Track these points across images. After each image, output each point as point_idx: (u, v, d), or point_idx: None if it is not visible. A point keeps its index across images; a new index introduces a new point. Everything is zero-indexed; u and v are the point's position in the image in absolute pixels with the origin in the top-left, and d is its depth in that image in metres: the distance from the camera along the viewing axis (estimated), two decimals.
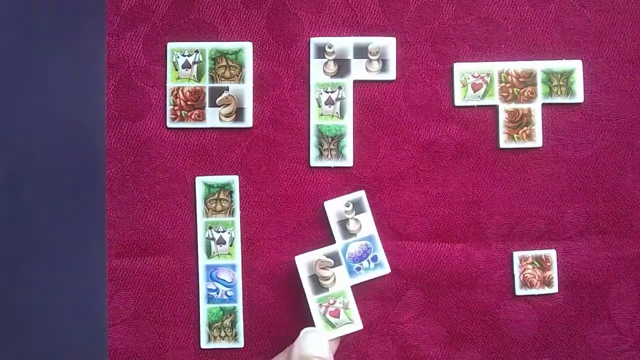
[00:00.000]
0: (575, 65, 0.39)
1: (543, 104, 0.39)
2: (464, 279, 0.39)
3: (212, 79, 0.39)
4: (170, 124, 0.39)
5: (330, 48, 0.39)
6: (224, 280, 0.39)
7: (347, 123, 0.39)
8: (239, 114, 0.39)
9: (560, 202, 0.39)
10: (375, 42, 0.39)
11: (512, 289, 0.39)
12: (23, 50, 0.40)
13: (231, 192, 0.39)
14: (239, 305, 0.39)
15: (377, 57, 0.39)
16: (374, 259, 0.37)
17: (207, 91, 0.39)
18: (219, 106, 0.39)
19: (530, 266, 0.39)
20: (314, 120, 0.39)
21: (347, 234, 0.38)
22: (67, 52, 0.40)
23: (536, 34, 0.39)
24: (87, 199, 0.39)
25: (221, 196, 0.39)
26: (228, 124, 0.39)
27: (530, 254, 0.39)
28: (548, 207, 0.39)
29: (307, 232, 0.39)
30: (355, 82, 0.39)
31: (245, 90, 0.39)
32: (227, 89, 0.39)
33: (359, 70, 0.39)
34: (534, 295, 0.39)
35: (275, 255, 0.39)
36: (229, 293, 0.39)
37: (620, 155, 0.39)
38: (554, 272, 0.39)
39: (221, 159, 0.39)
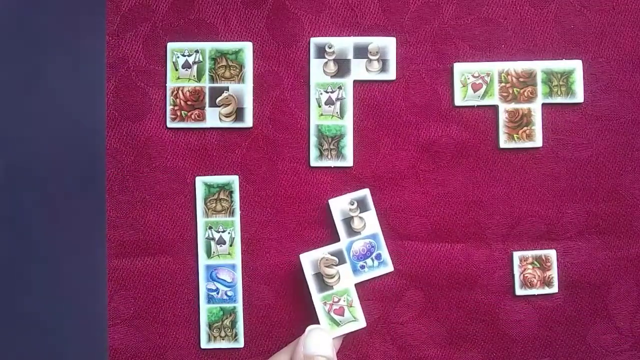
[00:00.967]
0: (575, 65, 0.39)
1: (543, 104, 0.39)
2: (464, 279, 0.39)
3: (212, 79, 0.39)
4: (170, 124, 0.39)
5: (330, 48, 0.39)
6: (224, 280, 0.39)
7: (347, 123, 0.39)
8: (239, 114, 0.39)
9: (560, 202, 0.39)
10: (375, 42, 0.39)
11: (512, 289, 0.39)
12: (23, 50, 0.40)
13: (231, 192, 0.39)
14: (239, 305, 0.39)
15: (377, 57, 0.39)
16: (378, 257, 0.37)
17: (207, 91, 0.39)
18: (219, 106, 0.39)
19: (530, 266, 0.39)
20: (314, 120, 0.39)
21: (351, 231, 0.38)
22: (67, 52, 0.40)
23: (536, 34, 0.39)
24: (87, 199, 0.39)
25: (221, 196, 0.39)
26: (228, 124, 0.39)
27: (530, 254, 0.39)
28: (548, 207, 0.39)
29: (307, 232, 0.39)
30: (355, 82, 0.39)
31: (245, 90, 0.39)
32: (227, 89, 0.39)
33: (359, 70, 0.39)
34: (534, 295, 0.39)
35: (275, 255, 0.39)
36: (229, 293, 0.39)
37: (620, 155, 0.39)
38: (554, 272, 0.39)
39: (221, 159, 0.39)
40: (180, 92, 0.39)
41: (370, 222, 0.38)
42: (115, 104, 0.39)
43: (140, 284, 0.39)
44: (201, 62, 0.39)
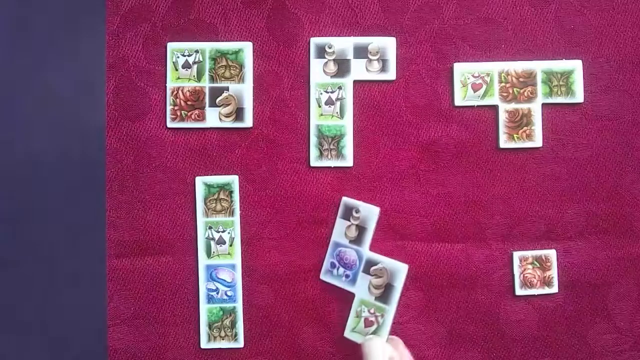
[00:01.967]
0: (575, 65, 0.39)
1: (543, 104, 0.39)
2: (464, 279, 0.39)
3: (212, 79, 0.39)
4: (170, 124, 0.39)
5: (330, 48, 0.39)
6: (224, 280, 0.39)
7: (347, 123, 0.39)
8: (239, 114, 0.39)
9: (560, 202, 0.39)
10: (375, 42, 0.39)
11: (512, 289, 0.39)
12: (23, 50, 0.40)
13: (231, 192, 0.39)
14: (239, 305, 0.39)
15: (377, 57, 0.39)
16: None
17: (207, 91, 0.39)
18: (219, 106, 0.39)
19: (530, 266, 0.39)
20: (314, 120, 0.39)
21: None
22: (67, 52, 0.40)
23: (536, 34, 0.39)
24: (87, 199, 0.39)
25: (221, 196, 0.39)
26: (228, 124, 0.39)
27: (530, 254, 0.39)
28: (548, 207, 0.39)
29: (307, 232, 0.39)
30: (355, 82, 0.39)
31: (245, 90, 0.39)
32: (227, 89, 0.39)
33: (359, 70, 0.39)
34: (534, 295, 0.39)
35: (275, 255, 0.39)
36: (228, 293, 0.39)
37: (620, 155, 0.39)
38: (554, 272, 0.39)
39: (221, 159, 0.39)
40: (180, 92, 0.39)
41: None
42: (115, 104, 0.39)
43: (140, 284, 0.39)
44: (201, 62, 0.39)
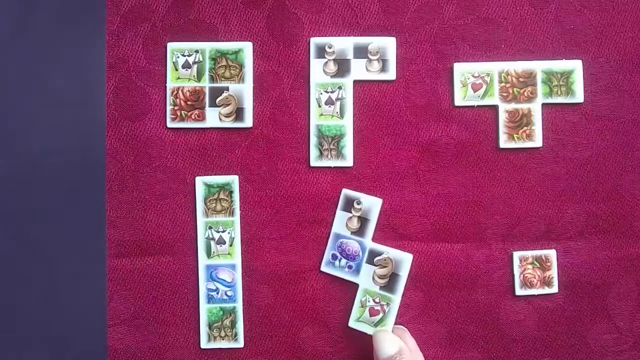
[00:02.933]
0: (575, 65, 0.39)
1: (543, 104, 0.39)
2: (464, 279, 0.39)
3: (212, 79, 0.39)
4: (170, 124, 0.39)
5: (330, 48, 0.39)
6: (224, 280, 0.39)
7: (347, 123, 0.39)
8: (239, 114, 0.39)
9: (560, 202, 0.39)
10: (375, 42, 0.39)
11: (512, 289, 0.39)
12: (23, 50, 0.40)
13: (231, 192, 0.39)
14: (239, 305, 0.39)
15: (377, 57, 0.39)
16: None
17: (207, 91, 0.39)
18: (219, 106, 0.39)
19: (530, 266, 0.39)
20: (314, 120, 0.39)
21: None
22: (67, 52, 0.40)
23: (536, 34, 0.39)
24: (87, 199, 0.39)
25: (221, 196, 0.39)
26: (228, 124, 0.39)
27: (530, 254, 0.39)
28: (548, 207, 0.39)
29: (307, 232, 0.39)
30: (355, 82, 0.39)
31: (245, 90, 0.39)
32: (227, 89, 0.39)
33: (359, 70, 0.39)
34: (534, 295, 0.39)
35: (275, 255, 0.39)
36: (228, 293, 0.39)
37: (620, 155, 0.39)
38: (554, 272, 0.39)
39: (221, 159, 0.39)
40: (180, 92, 0.39)
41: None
42: (115, 104, 0.39)
43: (140, 284, 0.39)
44: (201, 62, 0.39)
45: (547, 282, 0.39)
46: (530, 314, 0.39)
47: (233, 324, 0.39)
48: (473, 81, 0.39)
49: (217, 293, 0.39)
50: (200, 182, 0.39)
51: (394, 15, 0.39)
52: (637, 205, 0.39)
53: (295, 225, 0.39)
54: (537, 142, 0.39)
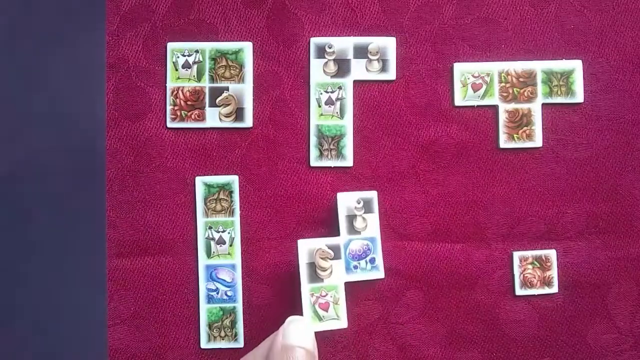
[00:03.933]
0: (575, 65, 0.39)
1: (543, 104, 0.39)
2: (464, 279, 0.39)
3: (212, 79, 0.39)
4: (170, 124, 0.39)
5: (330, 48, 0.39)
6: (224, 280, 0.39)
7: (347, 123, 0.39)
8: (239, 114, 0.39)
9: (560, 202, 0.39)
10: (375, 42, 0.39)
11: (512, 289, 0.39)
12: (23, 50, 0.40)
13: (231, 192, 0.39)
14: (239, 305, 0.39)
15: (377, 57, 0.39)
16: (372, 260, 0.37)
17: (207, 91, 0.39)
18: (219, 106, 0.39)
19: (530, 266, 0.39)
20: (314, 120, 0.39)
21: (352, 230, 0.37)
22: (67, 52, 0.40)
23: (536, 34, 0.39)
24: (87, 199, 0.39)
25: (221, 196, 0.39)
26: (228, 124, 0.39)
27: (530, 254, 0.39)
28: (548, 207, 0.39)
29: (307, 232, 0.39)
30: (355, 82, 0.39)
31: (245, 90, 0.39)
32: (227, 89, 0.39)
33: (359, 70, 0.39)
34: (534, 295, 0.39)
35: (275, 255, 0.39)
36: (228, 293, 0.39)
37: (620, 155, 0.39)
38: (554, 272, 0.39)
39: (221, 159, 0.39)
40: (180, 92, 0.39)
41: (372, 225, 0.37)
42: (115, 104, 0.39)
43: (140, 284, 0.39)
44: (201, 62, 0.39)
45: (547, 282, 0.39)
46: (530, 314, 0.39)
47: (233, 324, 0.39)
48: (473, 81, 0.39)
49: (217, 293, 0.39)
50: (200, 182, 0.39)
51: (394, 15, 0.39)
52: (637, 205, 0.39)
53: (295, 225, 0.39)
54: (537, 142, 0.39)
